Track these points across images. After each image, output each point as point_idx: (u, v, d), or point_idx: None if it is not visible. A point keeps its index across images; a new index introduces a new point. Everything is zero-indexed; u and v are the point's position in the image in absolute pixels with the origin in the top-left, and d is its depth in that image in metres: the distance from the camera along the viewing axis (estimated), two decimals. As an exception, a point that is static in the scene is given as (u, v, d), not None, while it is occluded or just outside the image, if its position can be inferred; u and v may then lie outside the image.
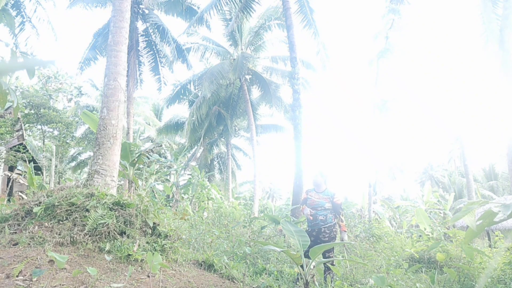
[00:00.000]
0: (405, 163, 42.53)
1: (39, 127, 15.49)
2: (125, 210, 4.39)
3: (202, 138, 20.08)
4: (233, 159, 22.69)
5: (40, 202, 4.40)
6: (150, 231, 4.43)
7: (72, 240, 3.85)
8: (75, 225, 4.06)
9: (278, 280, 4.45)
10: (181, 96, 18.82)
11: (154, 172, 12.61)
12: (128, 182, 9.27)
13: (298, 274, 4.27)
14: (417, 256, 6.79)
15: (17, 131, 12.86)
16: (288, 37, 10.38)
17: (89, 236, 3.95)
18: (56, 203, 4.25)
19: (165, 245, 4.31)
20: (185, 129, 17.87)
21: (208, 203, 11.54)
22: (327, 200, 4.69)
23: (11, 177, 13.21)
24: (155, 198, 10.61)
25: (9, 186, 13.33)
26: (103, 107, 5.86)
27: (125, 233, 4.18)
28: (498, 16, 7.17)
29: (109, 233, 4.03)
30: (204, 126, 18.92)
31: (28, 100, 14.32)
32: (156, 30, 14.85)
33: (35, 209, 4.20)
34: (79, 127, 19.98)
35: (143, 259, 3.82)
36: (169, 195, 12.74)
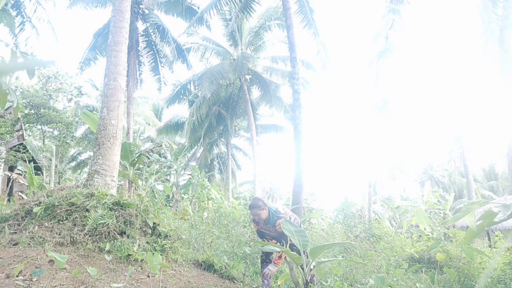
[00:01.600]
0: (405, 163, 42.42)
1: (39, 127, 15.49)
2: (125, 210, 4.39)
3: (202, 138, 20.07)
4: (233, 159, 22.68)
5: (40, 202, 4.40)
6: (150, 231, 4.43)
7: (72, 240, 3.85)
8: (75, 225, 4.06)
9: (278, 280, 4.44)
10: (181, 96, 18.82)
11: (154, 172, 12.61)
12: (128, 182, 9.27)
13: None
14: (417, 256, 6.78)
15: (17, 131, 12.86)
16: (288, 37, 10.38)
17: (89, 236, 3.95)
18: (56, 203, 4.25)
19: (165, 245, 4.31)
20: (185, 129, 17.87)
21: (208, 203, 11.53)
22: (273, 231, 3.90)
23: (11, 177, 13.21)
24: (155, 198, 10.61)
25: (9, 186, 13.33)
26: (103, 107, 5.86)
27: (125, 233, 4.18)
28: (498, 16, 7.18)
29: (109, 233, 4.03)
30: (204, 126, 18.91)
31: (28, 100, 14.32)
32: (156, 30, 14.85)
33: (35, 209, 4.21)
34: (79, 127, 19.99)
35: (143, 259, 3.82)
36: (169, 195, 12.75)
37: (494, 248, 6.43)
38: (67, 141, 16.14)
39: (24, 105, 14.08)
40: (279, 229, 3.73)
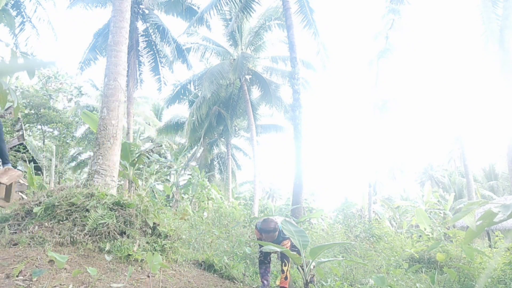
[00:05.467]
0: (405, 163, 42.37)
1: (39, 127, 15.49)
2: (125, 210, 4.39)
3: (202, 138, 20.07)
4: (233, 159, 22.67)
5: (40, 202, 4.40)
6: (150, 231, 4.43)
7: (72, 240, 3.85)
8: (75, 225, 4.06)
9: (277, 280, 4.45)
10: (181, 96, 18.81)
11: (154, 172, 12.60)
12: (128, 182, 9.27)
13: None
14: (417, 256, 6.79)
15: (17, 131, 12.86)
16: (288, 37, 10.37)
17: (89, 236, 3.95)
18: (56, 203, 4.25)
19: (165, 245, 4.31)
20: (185, 129, 17.86)
21: (208, 203, 11.53)
22: None
23: (11, 177, 13.18)
24: (155, 198, 10.61)
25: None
26: (103, 107, 5.86)
27: (125, 233, 4.18)
28: (498, 16, 7.18)
29: (109, 233, 4.03)
30: (204, 126, 18.90)
31: (28, 100, 14.32)
32: (156, 30, 14.86)
33: (35, 209, 4.20)
34: (79, 127, 19.97)
35: (143, 259, 3.82)
36: (169, 195, 12.74)
37: (494, 248, 6.43)
38: (67, 141, 16.14)
39: (24, 105, 14.07)
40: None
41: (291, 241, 3.88)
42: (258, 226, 3.91)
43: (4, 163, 3.81)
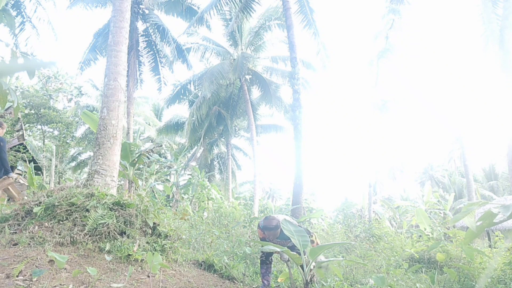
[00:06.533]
0: (405, 163, 42.37)
1: (39, 127, 15.50)
2: (125, 210, 4.39)
3: (202, 138, 20.07)
4: (233, 159, 22.66)
5: (40, 202, 4.40)
6: (150, 231, 4.43)
7: (72, 240, 3.85)
8: (75, 225, 4.06)
9: (278, 278, 4.45)
10: (181, 96, 18.82)
11: (154, 172, 12.60)
12: (128, 182, 9.27)
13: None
14: (417, 256, 6.78)
15: (17, 131, 12.86)
16: (288, 37, 10.38)
17: (89, 236, 3.95)
18: (56, 203, 4.25)
19: (165, 245, 4.31)
20: (185, 129, 17.87)
21: (208, 203, 11.53)
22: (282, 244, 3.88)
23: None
24: (155, 198, 10.61)
25: (9, 186, 13.29)
26: (103, 107, 5.86)
27: (125, 233, 4.18)
28: (498, 16, 7.18)
29: (109, 233, 4.03)
30: (204, 126, 18.91)
31: (28, 100, 14.33)
32: (156, 30, 14.86)
33: (35, 209, 4.20)
34: (79, 127, 19.99)
35: (143, 259, 3.82)
36: (169, 195, 12.75)
37: (494, 248, 6.43)
38: (67, 141, 16.15)
39: (24, 105, 14.08)
40: (290, 244, 3.66)
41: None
42: (260, 225, 3.92)
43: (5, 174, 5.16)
